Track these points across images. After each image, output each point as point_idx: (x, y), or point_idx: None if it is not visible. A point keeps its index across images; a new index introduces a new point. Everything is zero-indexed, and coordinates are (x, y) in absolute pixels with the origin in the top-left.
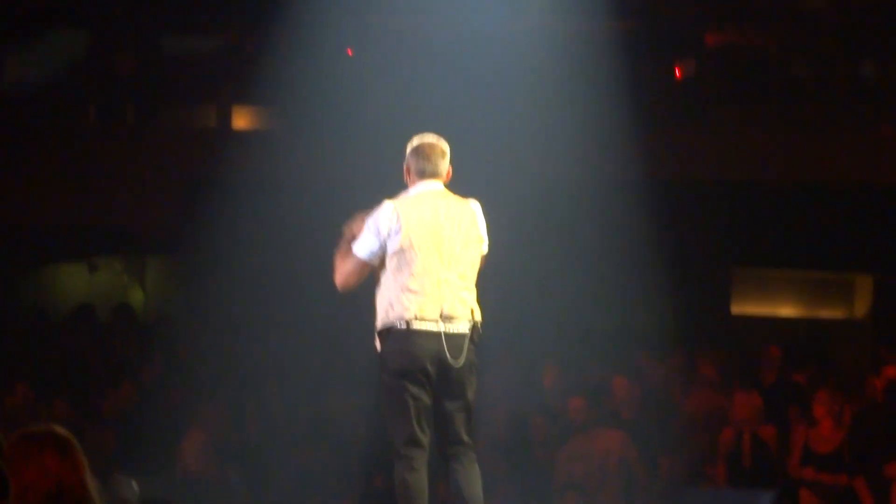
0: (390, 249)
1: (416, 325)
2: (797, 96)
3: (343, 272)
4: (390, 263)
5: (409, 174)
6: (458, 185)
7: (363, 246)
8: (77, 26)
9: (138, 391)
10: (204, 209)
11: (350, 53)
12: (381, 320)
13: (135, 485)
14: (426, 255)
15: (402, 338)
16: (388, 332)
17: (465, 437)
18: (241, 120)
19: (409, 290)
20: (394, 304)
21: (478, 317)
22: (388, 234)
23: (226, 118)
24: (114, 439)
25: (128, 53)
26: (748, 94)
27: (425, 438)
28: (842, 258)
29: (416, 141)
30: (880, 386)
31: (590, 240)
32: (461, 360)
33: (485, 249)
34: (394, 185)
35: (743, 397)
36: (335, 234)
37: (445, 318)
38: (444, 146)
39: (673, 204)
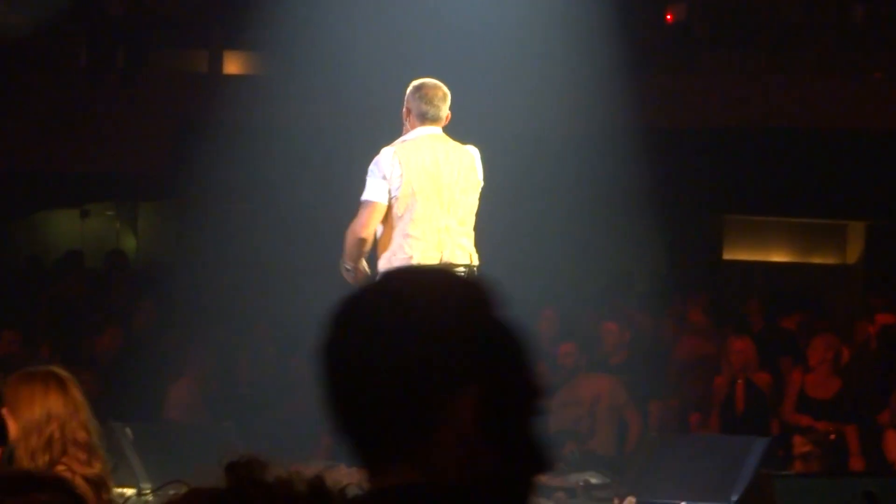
0: (392, 194)
1: None
2: (788, 41)
3: (363, 223)
4: (396, 209)
5: (409, 116)
6: (449, 132)
7: (376, 191)
8: None
9: (129, 337)
10: (196, 154)
11: None
12: (382, 267)
13: (129, 431)
14: (426, 201)
15: None
16: None
17: None
18: (233, 65)
19: (410, 236)
20: (396, 251)
21: (475, 262)
22: (391, 179)
23: (217, 63)
24: (103, 385)
25: None
26: (739, 39)
27: None
28: (834, 204)
29: (418, 83)
30: (873, 332)
31: (582, 187)
32: None
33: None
34: (384, 130)
35: (736, 343)
36: (325, 179)
37: (445, 265)
38: (446, 90)
39: (664, 151)
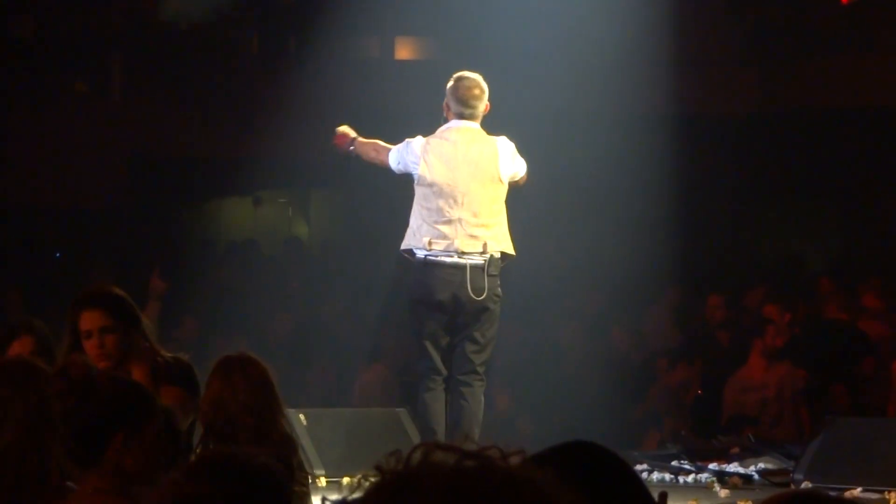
0: (414, 177)
1: (432, 258)
2: None
3: (370, 154)
4: (417, 191)
5: (448, 111)
6: (602, 111)
7: (395, 155)
8: None
9: (302, 323)
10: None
11: None
12: (405, 241)
13: (302, 417)
14: (441, 194)
15: (420, 269)
16: (409, 259)
17: (470, 367)
18: (404, 50)
19: (426, 223)
20: (415, 231)
21: (494, 249)
22: (409, 162)
23: (389, 48)
24: (276, 371)
25: None
26: None
27: (442, 366)
28: None
29: (457, 77)
30: None
31: (762, 169)
32: (476, 293)
33: (522, 173)
34: (552, 111)
35: None
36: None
37: (457, 253)
38: (483, 86)
39: (842, 132)
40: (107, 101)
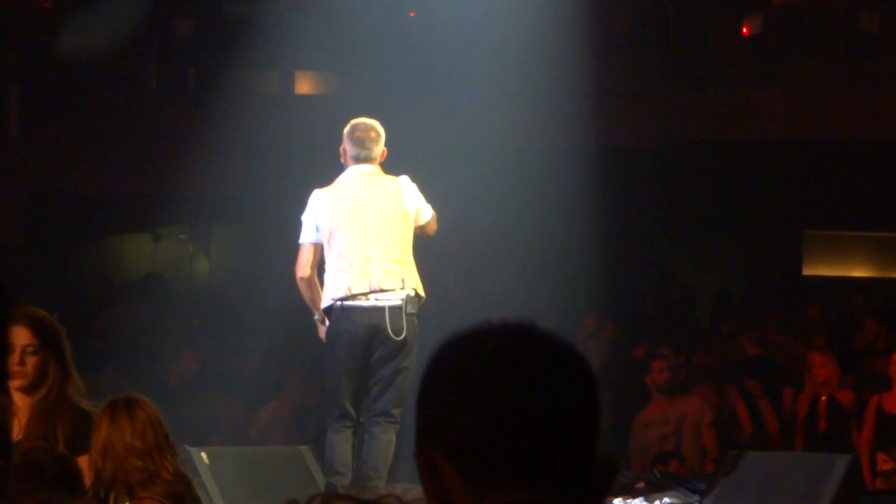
0: (324, 234)
1: (351, 303)
2: (866, 52)
3: (297, 264)
4: (326, 247)
5: (345, 156)
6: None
7: (305, 233)
8: None
9: (204, 361)
10: (268, 176)
11: (412, 15)
12: (324, 299)
13: (204, 456)
14: (350, 235)
15: (341, 316)
16: (330, 310)
17: (382, 408)
18: (304, 85)
19: (340, 269)
20: (330, 283)
21: (411, 286)
22: (318, 220)
23: (288, 83)
24: (177, 410)
25: (188, 18)
26: (816, 51)
27: (353, 411)
28: None
29: (354, 123)
30: None
31: (660, 203)
32: (396, 333)
33: (426, 216)
34: (459, 148)
35: (819, 360)
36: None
37: (377, 293)
38: (379, 130)
39: (741, 165)
40: (4, 137)
